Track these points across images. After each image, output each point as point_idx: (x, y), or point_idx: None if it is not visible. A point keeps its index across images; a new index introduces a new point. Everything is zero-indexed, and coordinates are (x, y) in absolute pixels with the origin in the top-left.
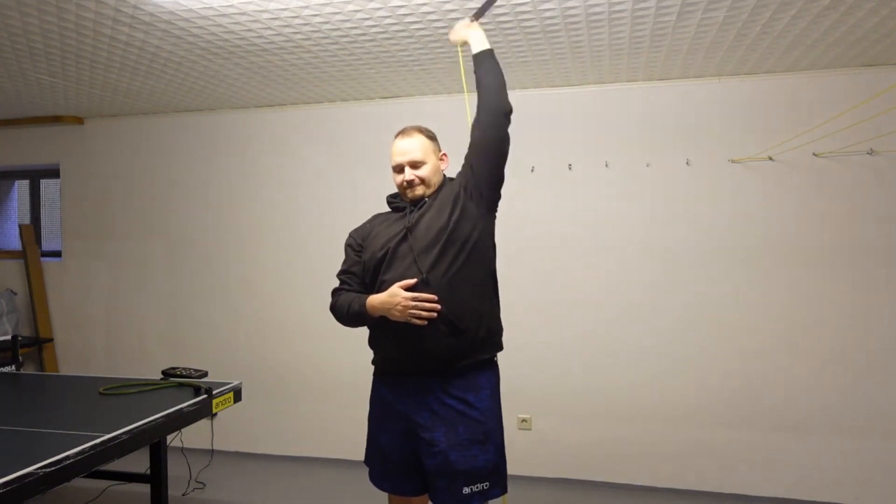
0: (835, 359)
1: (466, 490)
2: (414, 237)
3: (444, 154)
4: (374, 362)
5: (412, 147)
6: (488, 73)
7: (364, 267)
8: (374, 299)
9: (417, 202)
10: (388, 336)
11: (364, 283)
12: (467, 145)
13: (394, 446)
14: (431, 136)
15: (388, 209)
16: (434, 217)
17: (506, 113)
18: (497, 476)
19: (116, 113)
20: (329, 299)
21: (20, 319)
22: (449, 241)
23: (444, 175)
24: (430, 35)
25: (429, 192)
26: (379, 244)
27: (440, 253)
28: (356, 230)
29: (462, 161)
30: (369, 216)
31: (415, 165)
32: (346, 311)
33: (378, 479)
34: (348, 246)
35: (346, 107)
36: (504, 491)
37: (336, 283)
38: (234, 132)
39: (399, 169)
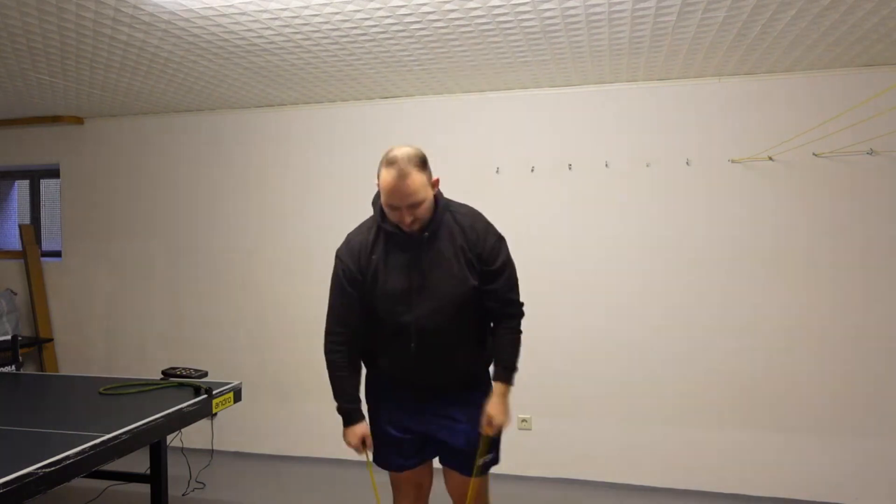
0: (835, 359)
1: (480, 461)
2: (422, 286)
3: (437, 179)
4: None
5: (411, 191)
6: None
7: (365, 293)
8: (345, 425)
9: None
10: (386, 365)
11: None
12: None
13: (403, 426)
14: (423, 165)
15: (375, 224)
16: (444, 272)
17: None
18: (497, 447)
19: (116, 113)
20: (326, 300)
21: (20, 319)
22: (455, 303)
23: (437, 199)
24: (430, 35)
25: (424, 224)
26: (388, 286)
27: (444, 312)
28: (351, 256)
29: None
30: (368, 216)
31: (413, 206)
32: (333, 382)
33: (394, 459)
34: (344, 278)
35: (346, 107)
36: (498, 460)
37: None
38: (234, 132)
39: (395, 207)
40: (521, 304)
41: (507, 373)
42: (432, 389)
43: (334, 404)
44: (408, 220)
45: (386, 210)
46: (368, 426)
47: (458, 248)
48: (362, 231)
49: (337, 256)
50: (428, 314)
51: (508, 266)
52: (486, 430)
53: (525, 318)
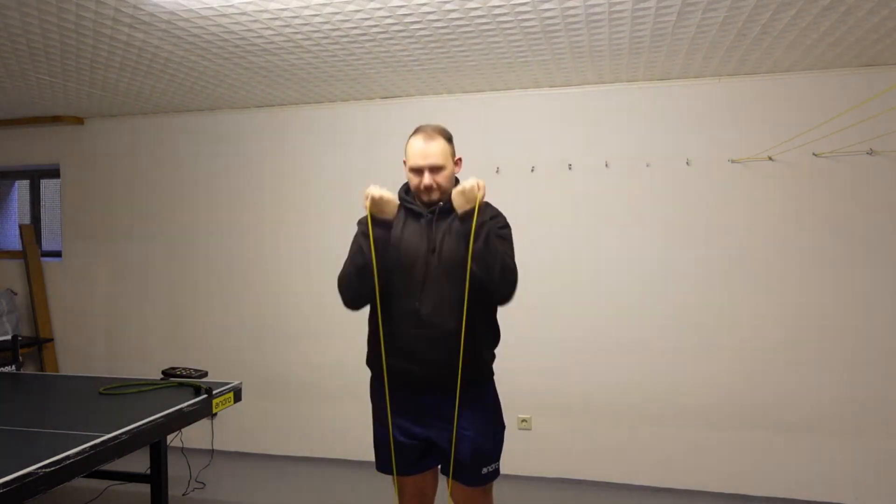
0: (835, 358)
1: (484, 470)
2: (434, 260)
3: (459, 158)
4: (373, 370)
5: (434, 152)
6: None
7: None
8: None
9: (432, 204)
10: (394, 338)
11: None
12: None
13: (408, 431)
14: (450, 139)
15: (402, 192)
16: (455, 242)
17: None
18: (498, 458)
19: (116, 113)
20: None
21: (20, 319)
22: (463, 267)
23: (458, 180)
24: (430, 35)
25: (444, 196)
26: (399, 248)
27: (452, 282)
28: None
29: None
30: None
31: (435, 170)
32: (352, 266)
33: (398, 466)
34: (362, 234)
35: (346, 107)
36: (499, 472)
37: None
38: (234, 132)
39: (418, 171)
40: (516, 273)
41: (480, 223)
42: (437, 372)
43: (334, 404)
44: (427, 182)
45: (409, 178)
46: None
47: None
48: None
49: (358, 223)
50: (437, 282)
51: (510, 240)
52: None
53: (526, 318)
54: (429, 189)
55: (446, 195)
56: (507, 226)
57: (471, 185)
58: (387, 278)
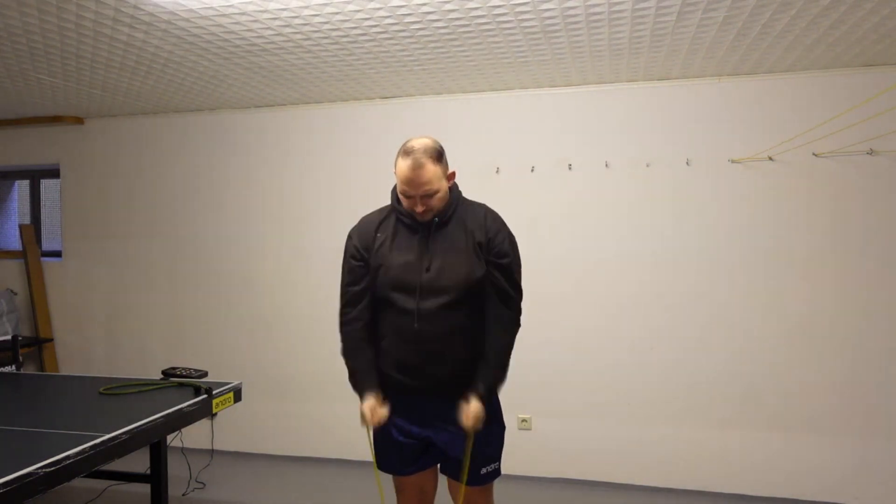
0: (835, 358)
1: (483, 470)
2: (429, 275)
3: (453, 172)
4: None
5: (425, 180)
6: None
7: (370, 272)
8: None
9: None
10: (390, 349)
11: (371, 295)
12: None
13: (406, 431)
14: (440, 157)
15: (390, 206)
16: (451, 256)
17: None
18: (498, 457)
19: (116, 113)
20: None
21: (20, 319)
22: (460, 287)
23: (451, 190)
24: (430, 35)
25: (439, 214)
26: (393, 264)
27: (449, 295)
28: (359, 234)
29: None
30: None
31: (427, 195)
32: (346, 359)
33: (397, 465)
34: (351, 257)
35: (346, 107)
36: (500, 472)
37: (336, 279)
38: (234, 132)
39: (409, 195)
40: (519, 302)
41: (486, 392)
42: (435, 384)
43: (334, 404)
44: (420, 208)
45: (401, 197)
46: (375, 400)
47: (468, 235)
48: (375, 212)
49: (348, 235)
50: (432, 296)
51: (515, 265)
52: (465, 422)
53: (526, 318)
54: (422, 213)
55: (441, 212)
56: (508, 254)
57: (472, 424)
58: (381, 294)
